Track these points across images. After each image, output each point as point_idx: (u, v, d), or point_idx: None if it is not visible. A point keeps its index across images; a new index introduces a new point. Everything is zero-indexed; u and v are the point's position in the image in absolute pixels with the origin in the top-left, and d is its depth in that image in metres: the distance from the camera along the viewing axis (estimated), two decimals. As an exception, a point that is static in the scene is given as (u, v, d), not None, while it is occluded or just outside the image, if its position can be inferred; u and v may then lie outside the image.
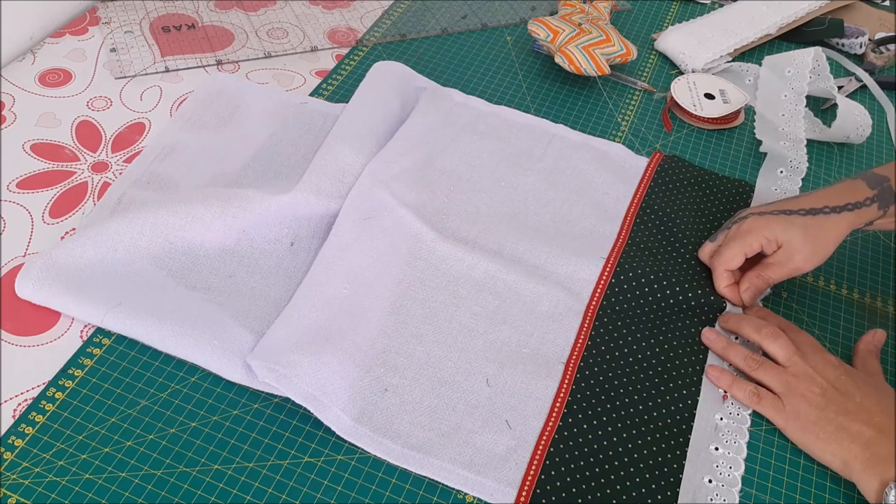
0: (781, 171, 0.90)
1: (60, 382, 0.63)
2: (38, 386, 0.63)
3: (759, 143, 0.93)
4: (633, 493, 0.61)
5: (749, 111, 0.98)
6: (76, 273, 0.67)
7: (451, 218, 0.79)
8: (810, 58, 0.95)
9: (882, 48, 1.09)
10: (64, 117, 0.85)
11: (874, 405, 0.64)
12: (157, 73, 0.92)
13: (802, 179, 0.89)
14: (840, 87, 1.02)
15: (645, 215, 0.82)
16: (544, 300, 0.73)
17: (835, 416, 0.64)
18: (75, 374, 0.64)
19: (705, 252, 0.76)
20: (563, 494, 0.60)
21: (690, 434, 0.65)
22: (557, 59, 0.95)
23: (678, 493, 0.62)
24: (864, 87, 1.04)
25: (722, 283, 0.74)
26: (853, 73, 1.06)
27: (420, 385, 0.66)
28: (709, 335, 0.71)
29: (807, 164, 0.90)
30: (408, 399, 0.65)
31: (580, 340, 0.70)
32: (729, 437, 0.66)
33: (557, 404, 0.66)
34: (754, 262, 0.74)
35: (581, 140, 0.90)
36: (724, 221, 0.82)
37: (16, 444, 0.59)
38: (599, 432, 0.64)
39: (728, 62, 1.03)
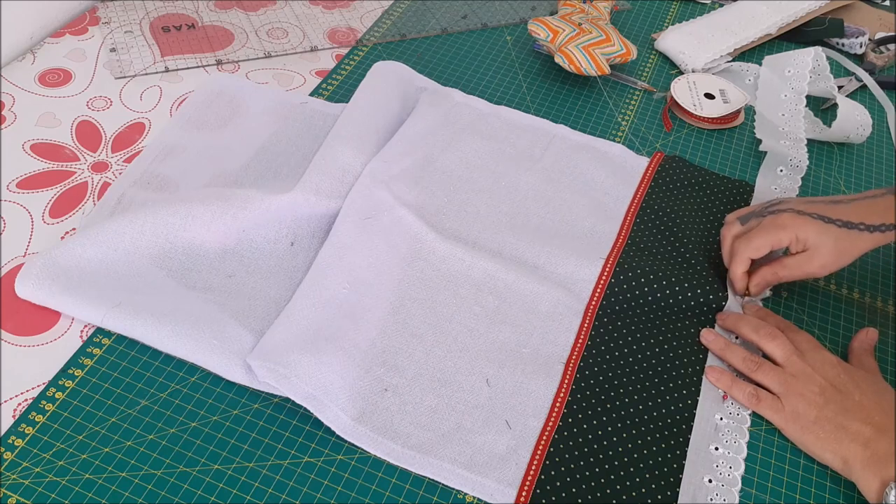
0: (781, 170, 0.90)
1: (60, 382, 0.63)
2: (38, 386, 0.63)
3: (760, 142, 0.93)
4: (633, 493, 0.61)
5: (749, 111, 0.98)
6: (76, 273, 0.67)
7: (450, 218, 0.79)
8: (810, 58, 0.95)
9: (882, 48, 1.09)
10: (64, 117, 0.85)
11: (873, 403, 0.64)
12: (157, 73, 0.92)
13: (802, 178, 0.89)
14: (840, 87, 1.02)
15: (645, 215, 0.82)
16: (544, 300, 0.73)
17: (834, 416, 0.64)
18: (75, 374, 0.64)
19: (731, 232, 0.75)
20: (563, 494, 0.60)
21: (690, 434, 0.65)
22: (557, 59, 0.95)
23: (678, 493, 0.62)
24: (864, 87, 1.04)
25: (740, 268, 0.73)
26: (853, 73, 1.06)
27: (420, 385, 0.66)
28: (707, 336, 0.71)
29: (807, 163, 0.90)
30: (408, 399, 0.65)
31: (580, 340, 0.70)
32: (729, 437, 0.66)
33: (557, 404, 0.66)
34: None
35: (581, 140, 0.90)
36: (723, 220, 0.82)
37: (16, 444, 0.59)
38: (599, 432, 0.64)
39: (728, 62, 1.03)
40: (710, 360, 0.71)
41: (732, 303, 0.75)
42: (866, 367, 0.70)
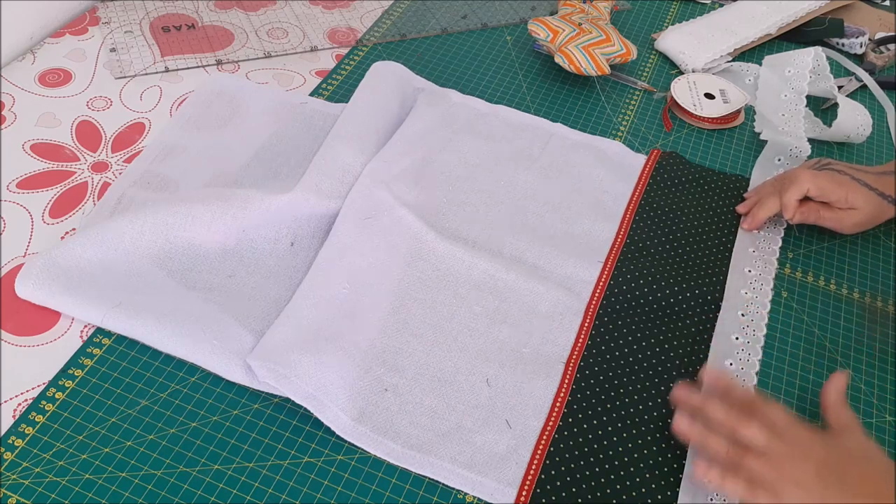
0: (779, 160, 0.90)
1: (60, 382, 0.63)
2: (38, 386, 0.63)
3: (760, 142, 0.93)
4: (633, 493, 0.61)
5: (749, 111, 0.98)
6: (76, 273, 0.67)
7: (450, 218, 0.79)
8: (810, 58, 0.95)
9: (882, 48, 1.09)
10: (64, 117, 0.85)
11: (873, 474, 0.60)
12: (157, 73, 0.92)
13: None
14: (840, 87, 1.02)
15: (644, 213, 0.82)
16: (544, 300, 0.73)
17: (838, 496, 0.58)
18: (75, 374, 0.64)
19: (807, 164, 0.84)
20: (563, 494, 0.60)
21: (690, 434, 0.65)
22: (557, 59, 0.95)
23: (678, 492, 0.62)
24: (864, 86, 1.04)
25: (795, 195, 0.79)
26: (853, 73, 1.06)
27: (420, 385, 0.66)
28: (681, 426, 0.63)
29: (809, 152, 0.90)
30: (408, 399, 0.65)
31: (580, 340, 0.70)
32: (729, 437, 0.66)
33: (557, 404, 0.66)
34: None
35: (579, 139, 0.90)
36: (721, 217, 0.83)
37: (16, 444, 0.59)
38: (599, 432, 0.64)
39: (728, 62, 1.03)
40: (711, 360, 0.70)
41: (729, 300, 0.75)
42: (845, 422, 0.65)
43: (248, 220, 0.73)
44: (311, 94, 0.92)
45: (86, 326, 0.67)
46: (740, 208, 0.84)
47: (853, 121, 0.94)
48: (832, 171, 0.80)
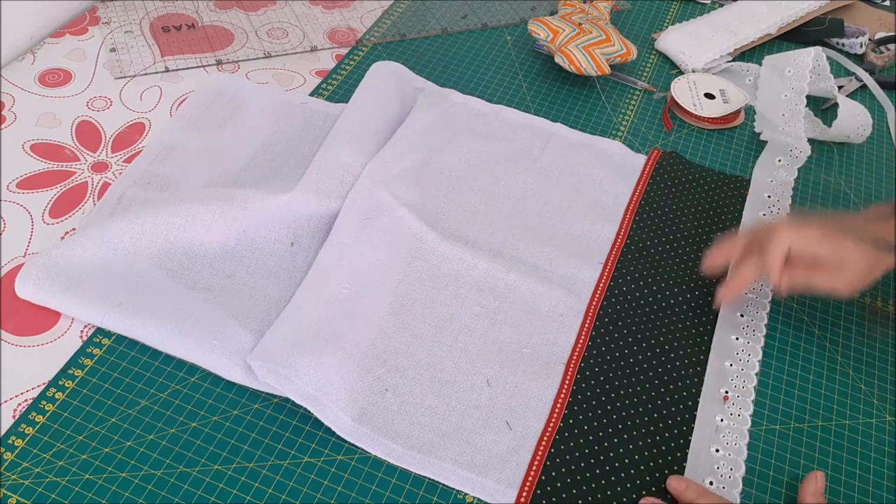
0: (779, 160, 0.90)
1: (60, 382, 0.63)
2: (38, 386, 0.63)
3: (760, 142, 0.93)
4: (634, 495, 0.61)
5: (749, 111, 0.98)
6: (76, 273, 0.67)
7: (450, 218, 0.79)
8: (810, 58, 0.95)
9: (882, 48, 1.09)
10: (64, 117, 0.85)
11: None
12: (157, 73, 0.92)
13: (803, 178, 0.89)
14: (840, 87, 1.02)
15: (644, 213, 0.82)
16: (545, 300, 0.73)
17: None
18: (75, 374, 0.64)
19: (785, 218, 0.70)
20: (564, 495, 0.60)
21: (691, 435, 0.65)
22: (557, 59, 0.95)
23: (678, 493, 0.62)
24: (864, 86, 1.04)
25: (779, 253, 0.66)
26: (853, 73, 1.06)
27: (420, 385, 0.66)
28: (677, 485, 0.61)
29: (808, 152, 0.90)
30: (408, 399, 0.65)
31: (581, 341, 0.70)
32: (729, 439, 0.66)
33: (558, 405, 0.66)
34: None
35: (579, 139, 0.90)
36: (721, 218, 0.83)
37: (16, 444, 0.59)
38: (600, 433, 0.64)
39: (728, 62, 1.03)
40: (711, 361, 0.71)
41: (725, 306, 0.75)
42: None
43: (248, 220, 0.73)
44: (311, 94, 0.92)
45: (86, 326, 0.67)
46: (716, 278, 0.73)
47: (853, 121, 0.94)
48: (813, 221, 0.68)
